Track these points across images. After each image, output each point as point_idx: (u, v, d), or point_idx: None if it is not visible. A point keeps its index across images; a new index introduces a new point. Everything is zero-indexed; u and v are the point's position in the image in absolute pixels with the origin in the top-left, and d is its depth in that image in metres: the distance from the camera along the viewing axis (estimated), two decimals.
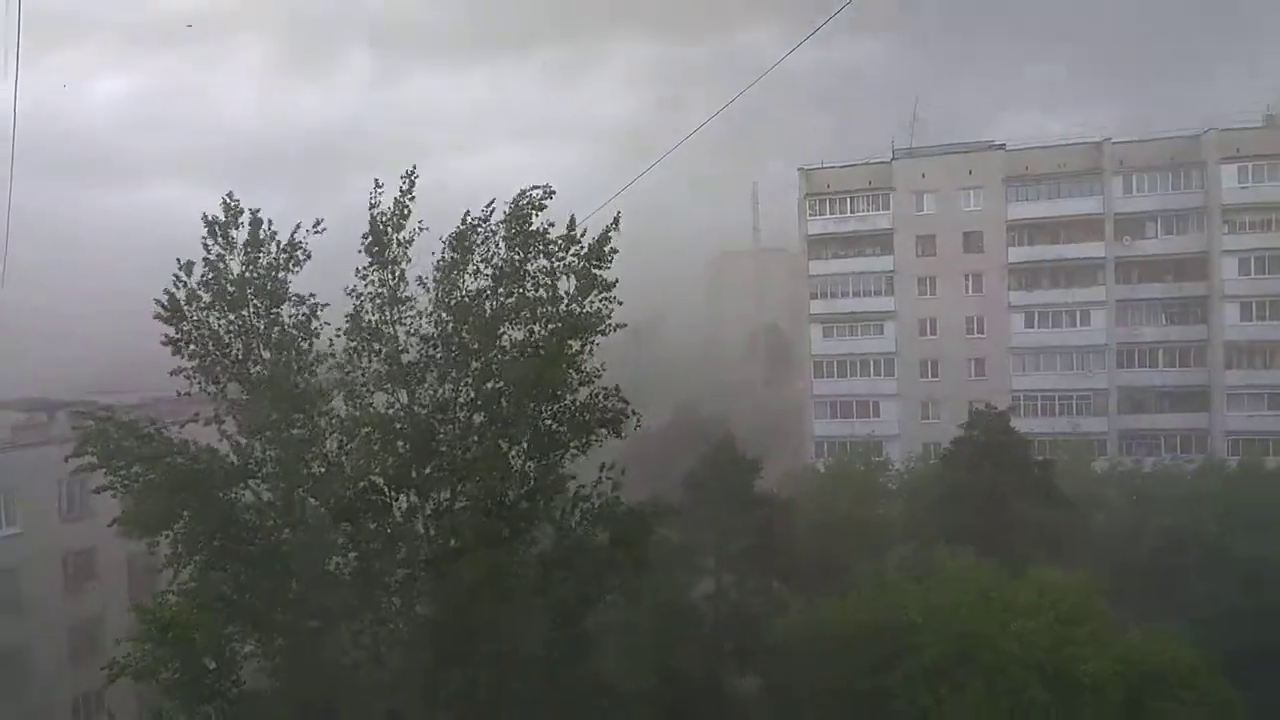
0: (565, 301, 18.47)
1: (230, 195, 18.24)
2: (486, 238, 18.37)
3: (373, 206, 18.17)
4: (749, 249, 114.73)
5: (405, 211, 18.17)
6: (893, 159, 65.38)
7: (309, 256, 18.43)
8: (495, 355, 18.26)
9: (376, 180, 18.12)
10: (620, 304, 18.74)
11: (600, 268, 18.49)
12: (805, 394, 68.04)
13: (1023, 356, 62.90)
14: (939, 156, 64.24)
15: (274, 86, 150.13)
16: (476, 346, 18.13)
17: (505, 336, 18.48)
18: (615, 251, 18.62)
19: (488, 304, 18.34)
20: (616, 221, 18.51)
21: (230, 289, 18.06)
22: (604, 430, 18.76)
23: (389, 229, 18.11)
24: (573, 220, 18.64)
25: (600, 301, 18.56)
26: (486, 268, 18.40)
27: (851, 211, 65.97)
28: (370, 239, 18.13)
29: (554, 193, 18.24)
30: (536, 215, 18.26)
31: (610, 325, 18.51)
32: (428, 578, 17.73)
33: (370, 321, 18.23)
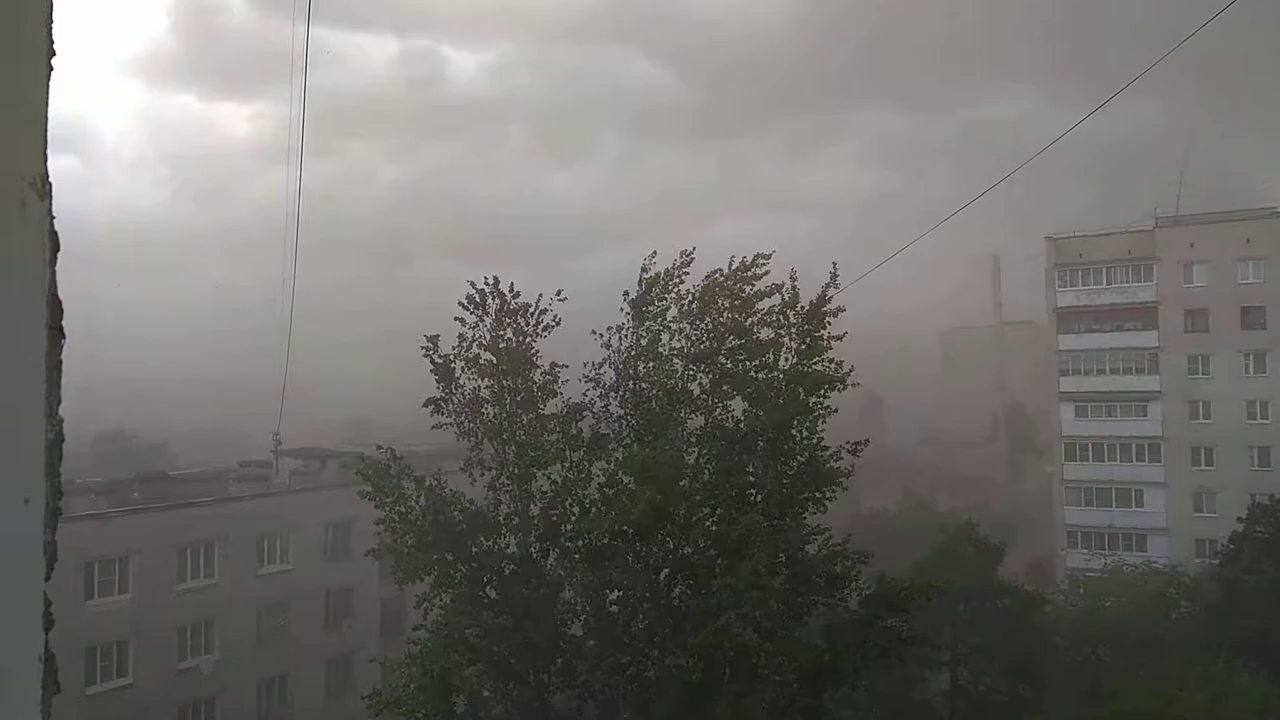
0: (793, 361, 18.44)
1: (491, 279, 19.65)
2: (708, 302, 18.78)
3: (644, 270, 19.03)
4: (986, 323, 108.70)
5: (672, 280, 18.88)
6: (1156, 226, 60.34)
7: (558, 323, 19.45)
8: (719, 414, 18.72)
9: (655, 251, 19.21)
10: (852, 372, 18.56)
11: (819, 330, 18.34)
12: (1054, 478, 63.11)
13: None
14: (1211, 225, 58.54)
15: (531, 169, 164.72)
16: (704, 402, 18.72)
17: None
18: (840, 310, 18.50)
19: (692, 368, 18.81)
20: (834, 278, 18.57)
21: (487, 356, 19.28)
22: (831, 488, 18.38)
23: (652, 291, 18.82)
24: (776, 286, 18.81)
25: (825, 363, 18.39)
26: (694, 331, 18.81)
27: (1108, 283, 61.27)
28: (635, 298, 18.90)
29: (770, 254, 18.57)
30: (754, 284, 18.51)
31: (849, 380, 18.43)
32: (670, 635, 17.85)
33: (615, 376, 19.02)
